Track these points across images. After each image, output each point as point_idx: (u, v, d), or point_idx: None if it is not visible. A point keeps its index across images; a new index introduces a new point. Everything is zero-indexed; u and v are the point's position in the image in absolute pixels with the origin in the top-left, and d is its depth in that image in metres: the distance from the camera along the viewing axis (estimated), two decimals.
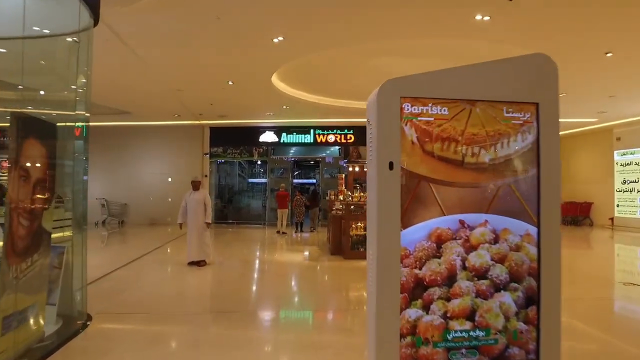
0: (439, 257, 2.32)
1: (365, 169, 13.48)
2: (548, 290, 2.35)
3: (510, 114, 2.39)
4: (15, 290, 3.75)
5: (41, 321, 4.31)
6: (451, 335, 2.29)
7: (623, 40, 8.23)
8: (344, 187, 14.14)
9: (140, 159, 19.01)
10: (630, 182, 17.20)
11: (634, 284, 7.65)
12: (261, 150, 19.22)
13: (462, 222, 2.36)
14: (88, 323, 5.09)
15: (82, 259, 5.47)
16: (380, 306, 2.25)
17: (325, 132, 18.44)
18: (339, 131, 18.40)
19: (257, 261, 10.84)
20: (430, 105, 2.32)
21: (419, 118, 2.31)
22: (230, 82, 11.78)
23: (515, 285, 2.36)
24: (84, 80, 5.96)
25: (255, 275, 8.93)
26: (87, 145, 5.89)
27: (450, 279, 2.33)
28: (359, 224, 10.57)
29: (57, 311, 4.81)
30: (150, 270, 8.85)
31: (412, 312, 2.29)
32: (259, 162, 21.84)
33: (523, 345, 2.36)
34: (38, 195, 4.18)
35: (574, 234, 16.29)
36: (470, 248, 2.36)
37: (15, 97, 5.53)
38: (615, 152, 18.07)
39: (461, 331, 2.29)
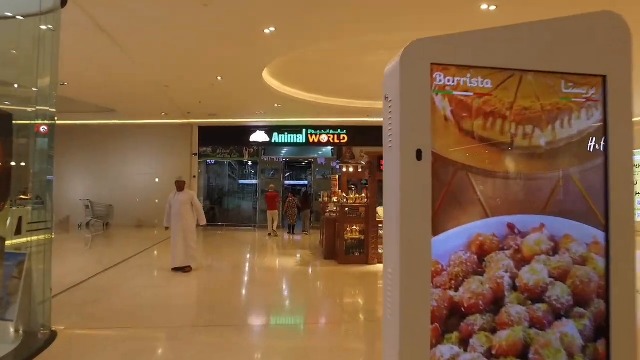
0: (481, 274, 1.76)
1: (359, 170, 12.96)
2: (619, 317, 1.80)
3: (570, 90, 1.85)
4: None
5: None
6: None
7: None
8: (337, 189, 13.59)
9: (126, 159, 18.37)
10: None
11: None
12: (252, 150, 18.62)
13: (511, 227, 1.80)
14: (52, 340, 4.48)
15: (45, 267, 4.84)
16: (404, 342, 1.69)
17: (318, 132, 17.91)
18: (332, 131, 17.88)
19: (246, 266, 10.24)
20: (468, 76, 1.77)
21: (455, 92, 1.77)
22: (219, 78, 11.20)
23: (581, 310, 1.79)
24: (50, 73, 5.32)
25: (245, 283, 8.35)
26: (53, 143, 5.27)
27: (496, 304, 1.76)
28: (354, 227, 10.03)
29: (15, 327, 4.20)
30: (131, 276, 8.22)
31: (446, 350, 1.72)
32: (249, 163, 21.24)
33: None
34: None
35: None
36: (522, 261, 1.79)
37: None
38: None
39: None
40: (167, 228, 8.78)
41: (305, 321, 5.95)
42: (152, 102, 14.03)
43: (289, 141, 18.08)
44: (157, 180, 17.98)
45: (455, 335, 1.73)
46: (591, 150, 1.86)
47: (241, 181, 23.25)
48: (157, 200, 16.94)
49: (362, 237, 9.96)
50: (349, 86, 12.62)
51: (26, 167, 5.12)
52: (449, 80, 1.76)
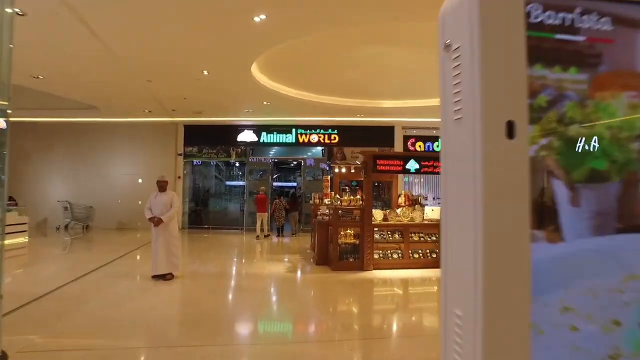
0: None
1: (352, 171, 12.38)
2: None
3: None
4: None
5: None
6: None
7: None
8: (329, 190, 12.98)
9: (108, 158, 17.57)
10: None
11: None
12: (239, 150, 17.89)
13: None
14: None
15: None
16: None
17: (308, 131, 17.28)
18: (322, 131, 17.27)
19: (233, 273, 9.57)
20: (577, 12, 1.18)
21: (557, 36, 1.17)
22: (205, 72, 10.53)
23: None
24: None
25: (231, 293, 7.66)
26: (6, 139, 4.54)
27: None
28: (349, 231, 9.43)
29: None
30: (107, 284, 7.48)
31: None
32: (237, 164, 20.56)
33: None
34: None
35: None
36: None
37: None
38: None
39: None
40: (151, 219, 7.88)
41: (299, 339, 5.33)
42: (135, 98, 13.29)
43: (278, 141, 17.42)
44: (140, 181, 17.23)
45: None
46: None
47: (228, 182, 22.57)
48: (140, 202, 16.11)
49: (357, 242, 9.37)
50: (342, 83, 12.03)
51: None
52: (549, 17, 1.16)
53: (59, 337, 4.79)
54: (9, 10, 5.29)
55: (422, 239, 9.65)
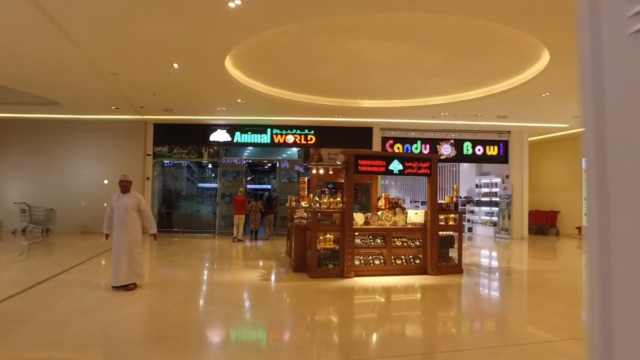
0: None
1: (330, 172, 11.81)
2: None
3: None
4: None
5: None
6: None
7: None
8: (306, 192, 12.39)
9: (71, 158, 16.59)
10: None
11: None
12: (212, 150, 17.12)
13: None
14: None
15: None
16: None
17: (284, 132, 16.70)
18: (298, 131, 16.71)
19: (204, 281, 8.87)
20: None
21: None
22: (175, 65, 9.83)
23: None
24: None
25: (201, 306, 6.97)
26: None
27: None
28: (328, 236, 8.88)
29: None
30: (61, 296, 6.68)
31: None
32: (209, 165, 19.79)
33: None
34: None
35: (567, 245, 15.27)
36: None
37: None
38: (583, 159, 17.32)
39: None
40: (106, 236, 7.39)
41: (273, 359, 4.72)
42: (100, 93, 12.43)
43: (252, 141, 16.76)
44: (105, 182, 16.33)
45: None
46: None
47: (200, 184, 21.77)
48: (105, 204, 15.13)
49: (337, 247, 8.81)
50: (320, 80, 11.48)
51: None
52: None
53: None
54: None
55: (405, 243, 9.18)
